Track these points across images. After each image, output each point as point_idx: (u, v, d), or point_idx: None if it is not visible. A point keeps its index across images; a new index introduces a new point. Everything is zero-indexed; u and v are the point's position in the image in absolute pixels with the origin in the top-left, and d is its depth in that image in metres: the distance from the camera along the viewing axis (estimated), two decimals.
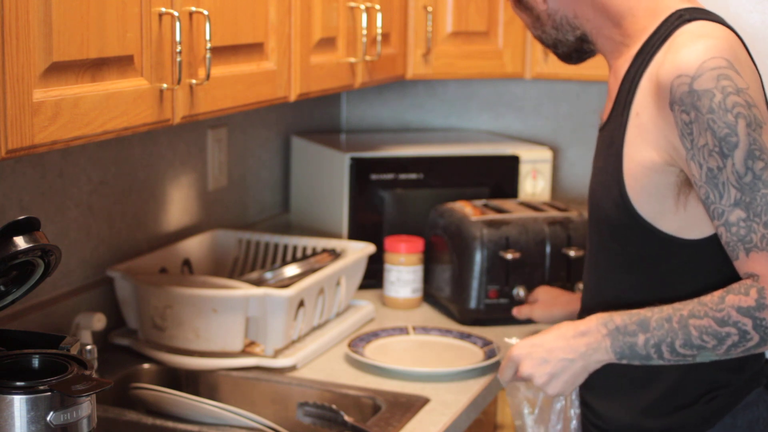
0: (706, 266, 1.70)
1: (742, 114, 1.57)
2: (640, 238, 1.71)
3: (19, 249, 1.42)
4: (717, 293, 1.63)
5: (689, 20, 1.66)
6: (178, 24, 1.66)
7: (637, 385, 1.78)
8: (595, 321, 1.71)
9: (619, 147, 1.69)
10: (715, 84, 1.58)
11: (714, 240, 1.67)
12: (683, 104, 1.59)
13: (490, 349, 2.29)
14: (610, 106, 1.77)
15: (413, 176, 2.78)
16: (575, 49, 1.85)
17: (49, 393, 1.43)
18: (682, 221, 1.68)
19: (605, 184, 1.73)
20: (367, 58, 2.35)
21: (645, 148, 1.66)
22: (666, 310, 1.66)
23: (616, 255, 1.76)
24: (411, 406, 2.02)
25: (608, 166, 1.72)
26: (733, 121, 1.57)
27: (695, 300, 1.65)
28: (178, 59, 1.67)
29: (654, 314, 1.66)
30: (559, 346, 1.74)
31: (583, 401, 1.88)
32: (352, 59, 2.30)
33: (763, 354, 1.77)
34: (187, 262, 2.46)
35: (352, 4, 2.29)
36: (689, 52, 1.60)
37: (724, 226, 1.61)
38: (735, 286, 1.62)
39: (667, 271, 1.72)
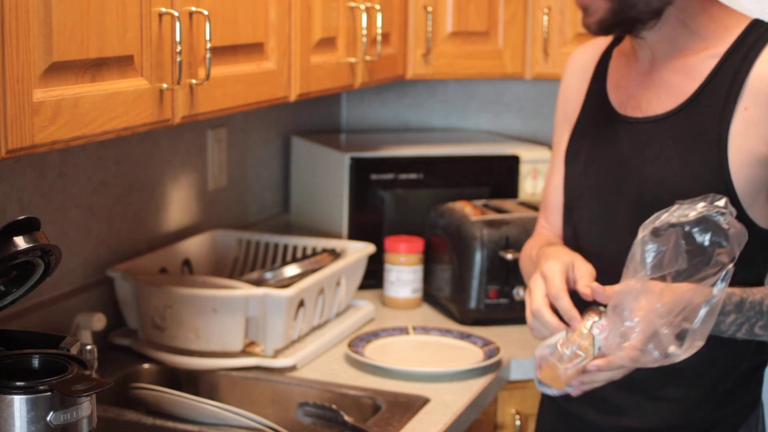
0: None
1: None
2: None
3: (19, 249, 1.42)
4: None
5: None
6: (178, 24, 1.66)
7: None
8: None
9: (718, 138, 1.73)
10: None
11: None
12: None
13: (490, 349, 2.29)
14: (675, 100, 1.78)
15: (413, 176, 2.78)
16: (627, 20, 1.76)
17: (49, 393, 1.43)
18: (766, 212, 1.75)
19: (692, 173, 1.75)
20: (367, 58, 2.35)
21: (754, 141, 1.71)
22: (758, 293, 1.71)
23: None
24: (411, 406, 2.02)
25: (696, 155, 1.74)
26: None
27: None
28: (178, 59, 1.67)
29: (748, 296, 1.70)
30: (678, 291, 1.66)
31: (617, 409, 1.86)
32: (352, 59, 2.30)
33: None
34: (187, 262, 2.46)
35: (352, 4, 2.28)
36: None
37: None
38: None
39: (747, 258, 1.75)
